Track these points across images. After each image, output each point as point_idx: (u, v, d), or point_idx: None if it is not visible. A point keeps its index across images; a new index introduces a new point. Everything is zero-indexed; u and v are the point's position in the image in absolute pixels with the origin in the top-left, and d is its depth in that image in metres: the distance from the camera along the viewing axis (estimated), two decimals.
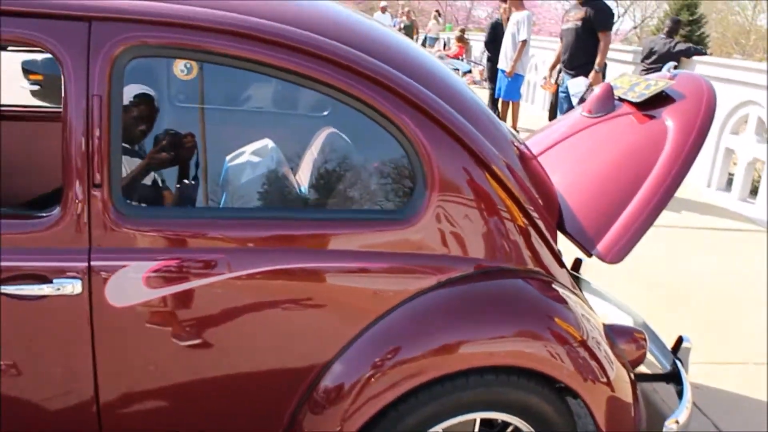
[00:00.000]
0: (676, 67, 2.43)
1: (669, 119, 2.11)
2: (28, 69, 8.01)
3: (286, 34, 1.69)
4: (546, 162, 2.34)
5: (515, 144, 2.12)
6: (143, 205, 2.07)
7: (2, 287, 1.58)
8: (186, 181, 2.26)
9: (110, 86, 1.59)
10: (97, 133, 1.58)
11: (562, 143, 2.50)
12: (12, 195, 2.88)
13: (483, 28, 29.06)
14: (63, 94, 1.58)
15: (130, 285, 1.64)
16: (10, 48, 5.16)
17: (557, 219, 2.05)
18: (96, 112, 1.58)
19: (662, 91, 2.23)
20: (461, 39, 16.89)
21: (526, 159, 2.11)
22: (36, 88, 8.01)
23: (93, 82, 1.58)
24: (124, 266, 1.63)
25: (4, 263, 1.59)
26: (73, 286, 1.60)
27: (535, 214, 1.91)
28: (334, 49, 1.71)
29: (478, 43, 17.30)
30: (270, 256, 1.72)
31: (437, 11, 22.51)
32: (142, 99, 2.29)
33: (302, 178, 2.31)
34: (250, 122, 3.02)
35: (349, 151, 2.21)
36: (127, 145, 2.16)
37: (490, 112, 2.11)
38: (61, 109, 1.60)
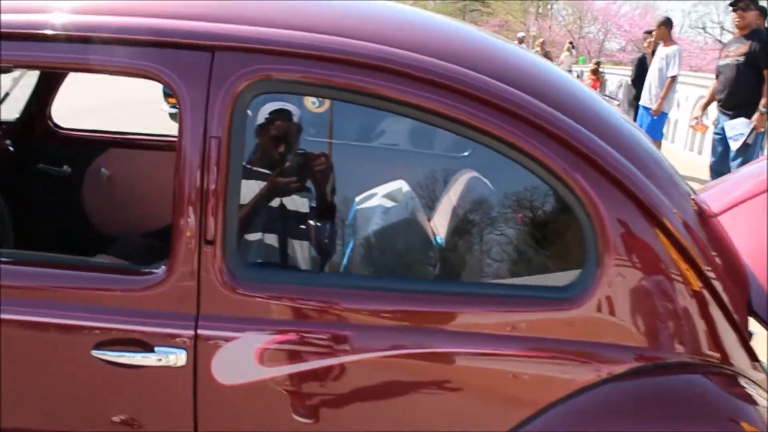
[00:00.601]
0: None
1: None
2: (168, 92, 8.35)
3: (456, 77, 1.43)
4: (727, 223, 1.97)
5: (692, 198, 1.77)
6: (261, 266, 1.86)
7: (99, 352, 1.42)
8: (311, 223, 2.05)
9: (231, 127, 1.39)
10: (213, 181, 1.38)
11: (745, 203, 2.12)
12: (139, 227, 2.77)
13: (616, 61, 28.15)
14: (178, 134, 1.39)
15: (241, 360, 1.42)
16: None
17: (745, 296, 1.67)
18: (213, 157, 1.37)
19: None
20: (595, 72, 16.25)
21: (705, 217, 1.75)
22: (175, 111, 8.31)
23: (212, 122, 1.38)
24: (235, 338, 1.42)
25: (101, 324, 1.42)
26: (177, 357, 1.40)
27: (720, 289, 1.56)
28: (508, 96, 1.44)
29: (612, 76, 16.63)
30: (410, 336, 1.47)
31: (571, 43, 21.86)
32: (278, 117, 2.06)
33: (438, 228, 2.06)
34: (381, 159, 2.81)
35: (495, 202, 1.92)
36: (260, 170, 1.96)
37: (661, 155, 1.77)
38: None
